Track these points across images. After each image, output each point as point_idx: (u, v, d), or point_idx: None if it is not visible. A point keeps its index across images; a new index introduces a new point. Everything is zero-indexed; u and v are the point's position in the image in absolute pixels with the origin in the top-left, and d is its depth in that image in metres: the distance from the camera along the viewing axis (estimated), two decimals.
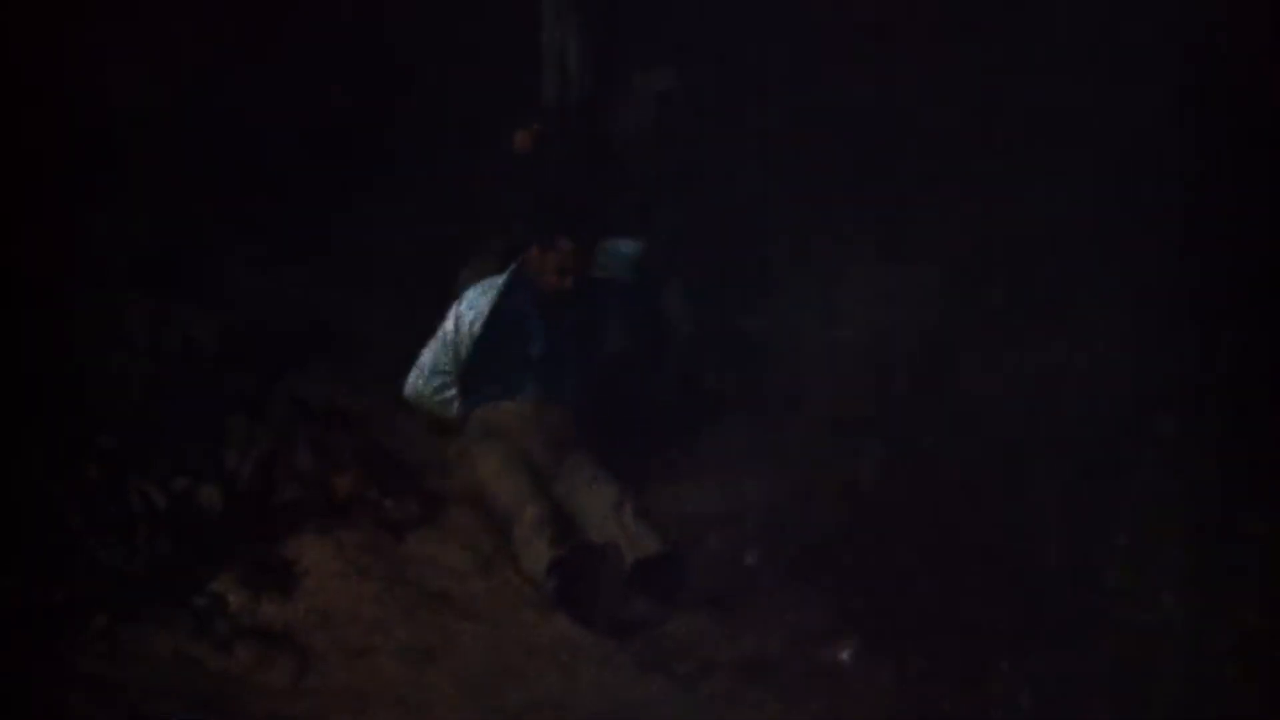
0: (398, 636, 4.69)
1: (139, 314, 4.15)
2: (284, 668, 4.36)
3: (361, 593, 4.81)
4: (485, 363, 5.55)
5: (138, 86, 5.66)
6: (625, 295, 5.75)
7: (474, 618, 4.86)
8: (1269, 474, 4.63)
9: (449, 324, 5.61)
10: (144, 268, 5.00)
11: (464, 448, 5.47)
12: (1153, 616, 4.56)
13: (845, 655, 4.58)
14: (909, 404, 5.29)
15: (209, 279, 5.51)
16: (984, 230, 5.41)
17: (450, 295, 5.77)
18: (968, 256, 5.41)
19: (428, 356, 5.62)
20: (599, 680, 4.67)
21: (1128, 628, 4.56)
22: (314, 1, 6.30)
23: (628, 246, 5.85)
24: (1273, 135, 4.94)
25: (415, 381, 5.63)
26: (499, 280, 5.65)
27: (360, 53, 6.32)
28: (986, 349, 5.21)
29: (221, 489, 4.04)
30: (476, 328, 5.57)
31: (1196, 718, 4.32)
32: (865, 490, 5.22)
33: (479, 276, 5.84)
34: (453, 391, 5.61)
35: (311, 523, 4.82)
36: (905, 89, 5.75)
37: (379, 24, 6.33)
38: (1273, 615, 4.41)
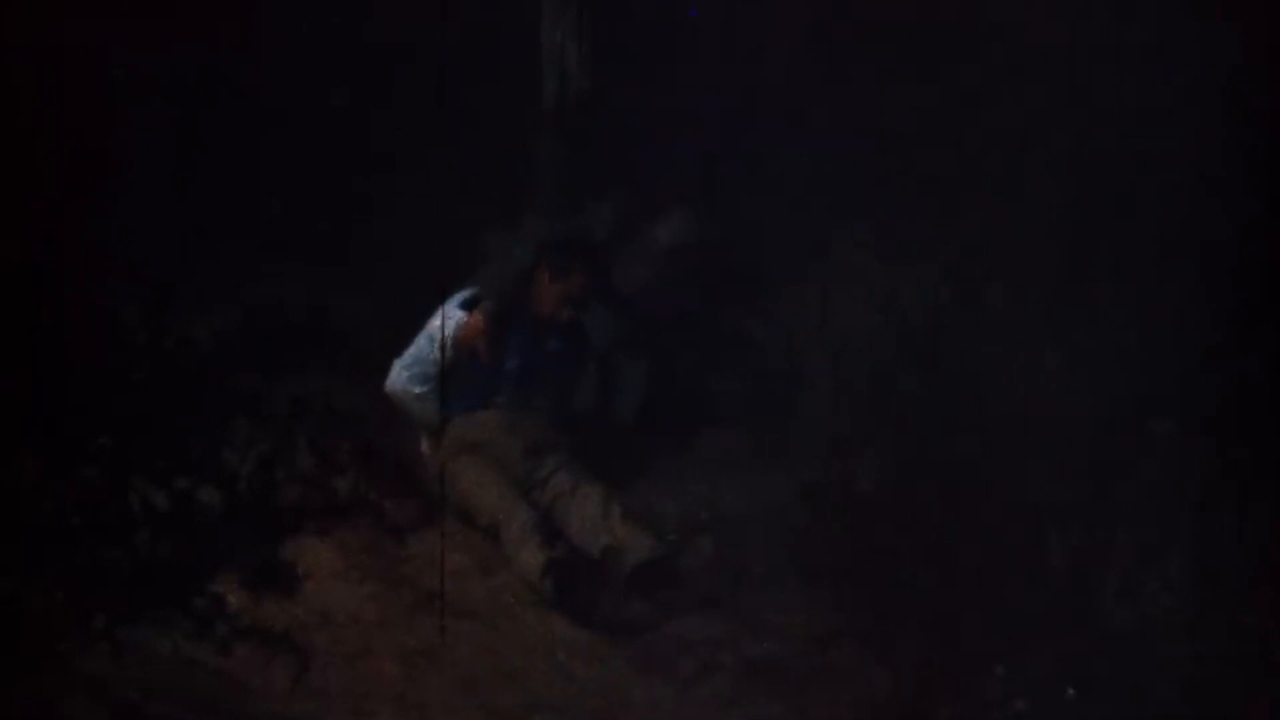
0: (397, 637, 4.69)
1: (139, 314, 4.15)
2: (284, 668, 4.36)
3: (361, 593, 4.81)
4: (464, 368, 5.53)
5: (138, 83, 5.66)
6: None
7: (473, 618, 4.86)
8: (1269, 474, 4.64)
9: (435, 323, 5.59)
10: (144, 268, 4.99)
11: (444, 465, 5.45)
12: (1152, 616, 4.56)
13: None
14: (908, 404, 5.29)
15: (209, 279, 5.50)
16: (984, 230, 5.41)
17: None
18: (968, 257, 5.41)
19: (411, 354, 5.60)
20: (598, 681, 4.68)
21: (1127, 628, 4.56)
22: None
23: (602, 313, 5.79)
24: (1272, 134, 4.94)
25: (397, 378, 5.59)
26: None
27: (361, 52, 6.31)
28: (986, 349, 5.20)
29: (221, 489, 4.04)
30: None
31: (1196, 718, 4.33)
32: (864, 490, 5.22)
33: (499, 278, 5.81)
34: (429, 389, 5.56)
35: (311, 523, 4.82)
36: (905, 90, 5.74)
37: (377, 22, 6.32)
38: (1273, 615, 4.41)
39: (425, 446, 5.57)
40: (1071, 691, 4.41)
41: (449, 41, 6.14)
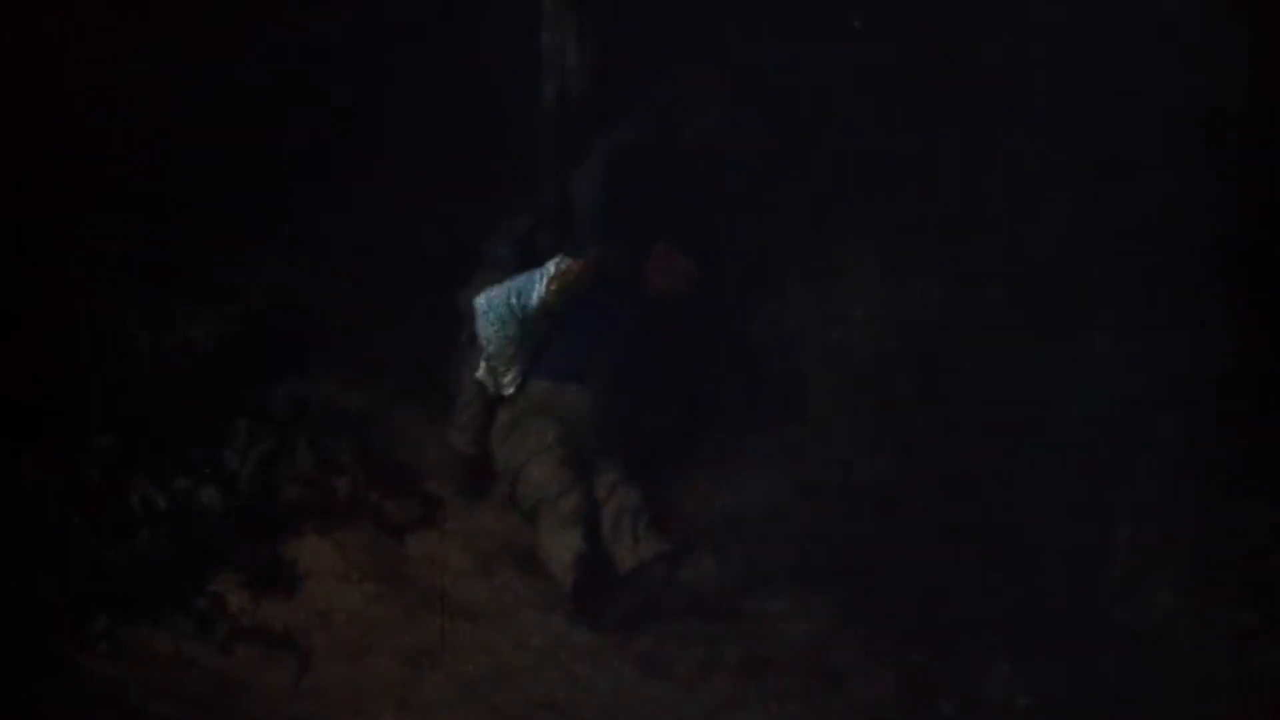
0: (398, 637, 4.69)
1: (139, 314, 4.15)
2: (284, 668, 4.36)
3: (361, 593, 4.82)
4: (553, 330, 5.51)
5: (138, 83, 5.66)
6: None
7: (474, 618, 4.87)
8: (1269, 474, 4.64)
9: (549, 266, 5.55)
10: (144, 268, 5.00)
11: (518, 418, 5.42)
12: (1153, 616, 4.57)
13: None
14: (910, 405, 5.29)
15: (208, 279, 5.50)
16: (984, 233, 5.41)
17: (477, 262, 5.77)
18: (968, 259, 5.41)
19: (519, 286, 5.54)
20: (599, 680, 4.68)
21: (1128, 628, 4.56)
22: None
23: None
24: (1271, 134, 4.94)
25: (498, 296, 5.50)
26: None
27: (356, 47, 6.31)
28: (987, 350, 5.21)
29: (221, 489, 4.04)
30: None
31: (1196, 718, 4.33)
32: (867, 491, 5.22)
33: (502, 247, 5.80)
34: (525, 332, 5.51)
35: (312, 524, 4.81)
36: (907, 91, 5.74)
37: (375, 18, 6.32)
38: (1273, 615, 4.42)
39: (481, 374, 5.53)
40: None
41: (449, 41, 6.16)
